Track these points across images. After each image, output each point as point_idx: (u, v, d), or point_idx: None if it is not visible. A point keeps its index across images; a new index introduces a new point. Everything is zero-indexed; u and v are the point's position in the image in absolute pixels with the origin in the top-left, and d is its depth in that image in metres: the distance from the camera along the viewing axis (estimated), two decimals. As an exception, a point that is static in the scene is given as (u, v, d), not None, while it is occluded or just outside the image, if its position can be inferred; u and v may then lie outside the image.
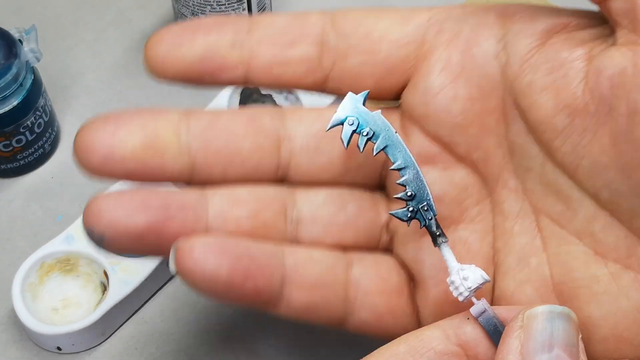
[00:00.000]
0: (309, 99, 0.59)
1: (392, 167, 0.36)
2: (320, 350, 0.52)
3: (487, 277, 0.35)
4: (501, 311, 0.34)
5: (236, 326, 0.53)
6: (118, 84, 0.63)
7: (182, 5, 0.60)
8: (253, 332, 0.53)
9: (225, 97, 0.59)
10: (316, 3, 0.67)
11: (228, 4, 0.59)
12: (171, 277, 0.55)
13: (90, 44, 0.65)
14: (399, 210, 0.36)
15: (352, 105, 0.37)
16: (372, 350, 0.51)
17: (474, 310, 0.34)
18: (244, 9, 0.59)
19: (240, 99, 0.60)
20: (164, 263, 0.53)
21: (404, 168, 0.36)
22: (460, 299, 0.35)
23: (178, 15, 0.61)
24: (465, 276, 0.35)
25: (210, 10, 0.59)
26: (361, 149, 0.37)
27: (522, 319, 0.32)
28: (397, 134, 0.36)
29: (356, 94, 0.37)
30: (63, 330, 0.50)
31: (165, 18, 0.67)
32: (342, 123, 0.37)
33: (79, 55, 0.65)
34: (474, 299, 0.35)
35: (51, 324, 0.51)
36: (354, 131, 0.37)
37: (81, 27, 0.66)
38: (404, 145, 0.36)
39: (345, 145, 0.37)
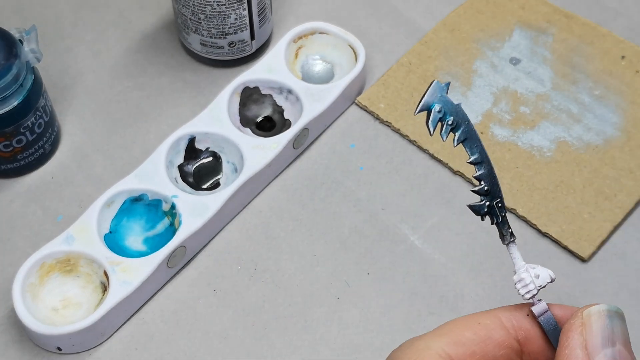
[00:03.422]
0: (308, 99, 0.59)
1: (469, 160, 0.37)
2: (321, 351, 0.52)
3: (553, 275, 0.36)
4: (556, 310, 0.36)
5: (236, 326, 0.53)
6: (118, 84, 0.63)
7: (182, 6, 0.60)
8: (253, 332, 0.53)
9: (225, 97, 0.59)
10: (316, 3, 0.67)
11: (228, 4, 0.59)
12: (171, 278, 0.55)
13: (90, 44, 0.65)
14: (477, 204, 0.37)
15: (437, 93, 0.36)
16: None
17: (536, 309, 0.36)
18: (244, 9, 0.60)
19: (240, 99, 0.60)
20: (164, 263, 0.53)
21: (480, 163, 0.36)
22: (527, 296, 0.36)
23: (178, 16, 0.61)
24: (537, 274, 0.36)
25: (210, 11, 0.59)
26: (444, 138, 0.36)
27: (581, 316, 0.34)
28: (474, 129, 0.37)
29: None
30: (63, 331, 0.50)
31: (165, 18, 0.67)
32: (429, 109, 0.36)
33: (79, 55, 0.65)
34: (534, 299, 0.36)
35: (51, 324, 0.51)
36: (439, 119, 0.36)
37: (81, 27, 0.66)
38: (481, 140, 0.37)
39: (432, 132, 0.36)
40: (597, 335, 0.33)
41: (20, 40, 0.55)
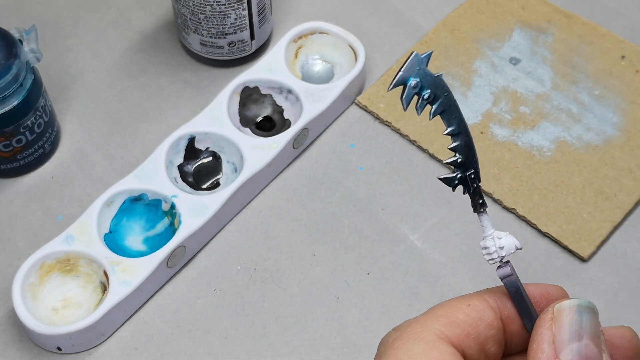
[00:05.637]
0: (308, 99, 0.59)
1: (445, 132, 0.36)
2: (321, 351, 0.52)
3: (519, 245, 0.37)
4: (532, 289, 0.37)
5: (236, 326, 0.53)
6: (118, 84, 0.63)
7: (182, 5, 0.60)
8: (253, 332, 0.53)
9: (225, 97, 0.59)
10: (316, 3, 0.67)
11: (228, 4, 0.59)
12: (171, 277, 0.55)
13: (90, 44, 0.65)
14: (447, 176, 0.36)
15: (416, 66, 0.35)
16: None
17: (500, 272, 0.36)
18: (244, 9, 0.60)
19: (240, 99, 0.60)
20: (164, 263, 0.53)
21: (456, 134, 0.36)
22: (491, 263, 0.37)
23: (178, 15, 0.61)
24: (501, 245, 0.37)
25: (210, 10, 0.59)
26: (419, 112, 0.36)
27: (552, 311, 0.34)
28: (455, 99, 0.36)
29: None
30: (63, 331, 0.50)
31: (165, 18, 0.67)
32: (405, 84, 0.35)
33: (79, 55, 0.65)
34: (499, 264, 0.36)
35: (51, 324, 0.51)
36: (415, 93, 0.35)
37: (81, 27, 0.66)
38: (461, 111, 0.36)
39: (405, 108, 0.35)
40: (565, 329, 0.34)
41: (20, 40, 0.55)
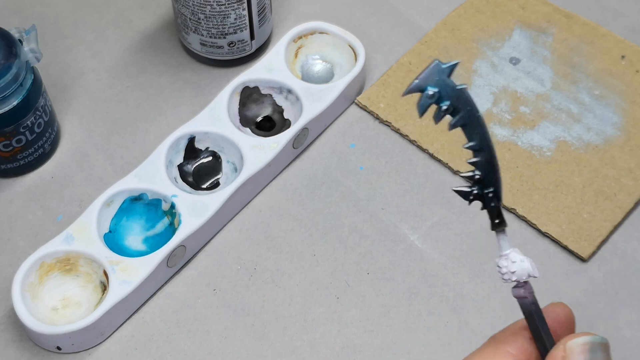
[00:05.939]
0: (308, 99, 0.59)
1: (465, 145, 0.34)
2: (321, 351, 0.52)
3: (535, 274, 0.35)
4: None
5: (236, 326, 0.53)
6: (118, 84, 0.63)
7: (182, 5, 0.60)
8: (253, 332, 0.53)
9: (225, 97, 0.59)
10: (316, 3, 0.67)
11: (228, 4, 0.59)
12: (171, 277, 0.55)
13: (90, 44, 0.65)
14: (463, 189, 0.35)
15: (435, 76, 0.32)
16: None
17: (513, 292, 0.35)
18: (244, 9, 0.60)
19: (240, 99, 0.60)
20: (164, 263, 0.53)
21: (478, 150, 0.34)
22: (504, 281, 0.35)
23: (178, 15, 0.61)
24: (513, 270, 0.35)
25: (210, 10, 0.59)
26: (436, 121, 0.33)
27: (563, 349, 0.33)
28: (480, 114, 0.33)
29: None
30: (63, 330, 0.50)
31: (165, 18, 0.67)
32: (422, 91, 0.33)
33: (79, 55, 0.65)
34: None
35: (51, 323, 0.51)
36: (432, 102, 0.33)
37: (81, 27, 0.66)
38: (485, 127, 0.34)
39: (420, 115, 0.33)
40: None
41: (20, 40, 0.55)
